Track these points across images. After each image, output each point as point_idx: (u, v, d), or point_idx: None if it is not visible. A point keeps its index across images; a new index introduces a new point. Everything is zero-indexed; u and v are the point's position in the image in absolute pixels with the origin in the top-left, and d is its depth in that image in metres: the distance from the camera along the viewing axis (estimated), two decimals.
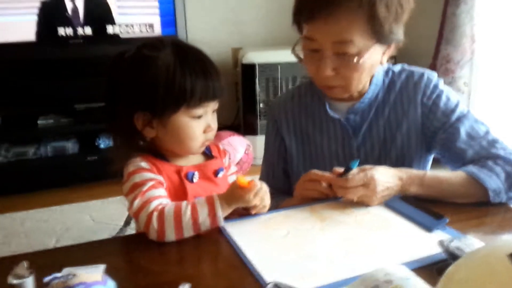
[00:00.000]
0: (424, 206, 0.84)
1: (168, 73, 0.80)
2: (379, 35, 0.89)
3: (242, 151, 2.61)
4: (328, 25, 0.86)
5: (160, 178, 0.84)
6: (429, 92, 1.01)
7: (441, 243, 0.69)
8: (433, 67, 2.63)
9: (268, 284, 0.61)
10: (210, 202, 0.79)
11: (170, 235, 0.76)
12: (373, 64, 0.94)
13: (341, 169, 0.89)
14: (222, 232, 0.80)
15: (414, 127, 1.02)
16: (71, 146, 2.60)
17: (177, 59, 0.82)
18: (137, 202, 0.79)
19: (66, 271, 0.67)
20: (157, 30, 2.63)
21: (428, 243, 0.74)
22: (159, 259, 0.74)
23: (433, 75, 1.04)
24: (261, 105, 2.82)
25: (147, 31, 2.61)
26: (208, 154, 0.95)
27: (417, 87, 1.02)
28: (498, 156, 0.93)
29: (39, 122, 2.56)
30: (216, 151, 0.97)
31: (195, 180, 0.88)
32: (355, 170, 0.87)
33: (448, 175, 0.93)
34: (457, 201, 0.90)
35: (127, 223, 2.16)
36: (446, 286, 0.45)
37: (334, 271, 0.67)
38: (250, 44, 3.16)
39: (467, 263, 0.46)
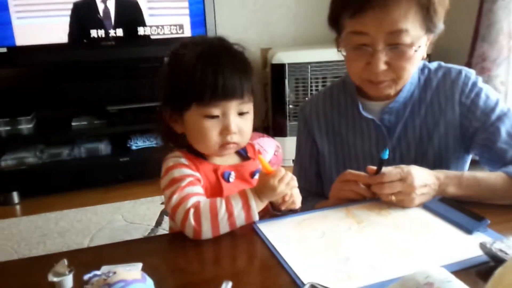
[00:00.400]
0: (463, 208, 0.82)
1: (184, 69, 0.81)
2: (430, 24, 0.87)
3: (272, 152, 2.61)
4: (380, 16, 0.84)
5: (198, 175, 0.84)
6: (467, 91, 0.98)
7: (482, 245, 0.67)
8: (469, 65, 2.56)
9: (306, 284, 0.60)
10: (243, 194, 0.79)
11: (207, 232, 0.76)
12: (421, 56, 0.92)
13: (374, 168, 0.86)
14: (257, 232, 0.80)
15: (452, 127, 0.99)
16: (103, 148, 2.66)
17: (200, 56, 0.81)
18: (175, 198, 0.79)
19: (105, 269, 0.68)
20: (187, 31, 2.65)
21: (468, 245, 0.72)
22: (195, 258, 0.74)
23: (471, 73, 1.01)
24: (291, 106, 2.80)
25: (177, 32, 2.64)
26: (244, 155, 0.94)
27: (455, 85, 0.99)
28: None
29: (72, 124, 2.63)
30: (252, 151, 0.95)
31: (231, 180, 0.87)
32: (391, 167, 0.85)
33: (487, 175, 0.90)
34: (497, 202, 0.87)
35: (158, 223, 2.20)
36: None
37: (371, 273, 0.65)
38: (279, 44, 3.16)
39: None
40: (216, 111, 0.81)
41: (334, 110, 1.08)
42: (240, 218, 0.77)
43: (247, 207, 0.78)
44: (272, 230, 0.80)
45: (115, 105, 2.63)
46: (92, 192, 2.57)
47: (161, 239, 0.78)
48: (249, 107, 0.86)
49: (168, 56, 0.87)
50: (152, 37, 2.61)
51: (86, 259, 0.76)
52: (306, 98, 2.78)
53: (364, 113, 1.02)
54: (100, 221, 2.28)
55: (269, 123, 2.99)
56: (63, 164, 2.58)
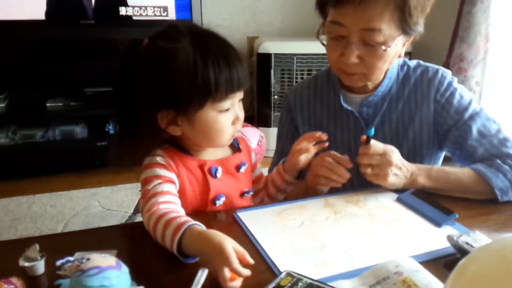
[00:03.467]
0: (434, 202, 0.85)
1: (189, 66, 0.74)
2: (406, 25, 0.89)
3: (255, 142, 2.60)
4: (358, 11, 0.86)
5: (172, 176, 0.81)
6: (442, 89, 1.02)
7: (450, 237, 0.70)
8: (446, 65, 2.61)
9: (282, 272, 0.61)
10: (173, 236, 0.67)
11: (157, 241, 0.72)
12: (395, 55, 0.95)
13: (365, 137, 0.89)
14: (237, 221, 0.81)
15: (426, 123, 1.03)
16: (80, 131, 2.60)
17: (198, 49, 0.75)
18: (141, 201, 0.79)
19: (78, 255, 0.68)
20: (171, 14, 2.59)
21: (437, 237, 0.75)
22: None
23: (447, 73, 1.04)
24: (276, 96, 2.80)
25: (161, 14, 2.57)
26: (235, 147, 0.92)
27: (431, 83, 1.03)
28: (508, 155, 0.94)
29: (47, 105, 2.56)
30: (243, 143, 0.94)
31: (218, 175, 0.85)
32: (379, 143, 0.89)
33: (456, 170, 0.94)
34: (466, 196, 0.91)
35: (136, 210, 2.18)
36: (459, 278, 0.46)
37: (347, 261, 0.67)
38: (265, 33, 3.14)
39: (480, 256, 0.46)
40: (228, 104, 0.80)
41: (317, 100, 1.11)
42: (170, 250, 0.69)
43: (171, 244, 0.68)
44: (252, 219, 0.81)
45: (93, 87, 2.57)
46: (67, 177, 2.52)
47: (137, 226, 0.77)
48: None
49: (148, 56, 0.77)
50: (134, 18, 2.54)
51: (58, 245, 0.75)
52: None
53: (344, 105, 1.05)
54: (75, 206, 2.24)
55: (254, 113, 2.97)
56: (37, 147, 2.51)
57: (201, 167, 0.84)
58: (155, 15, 2.57)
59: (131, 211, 2.19)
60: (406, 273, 0.59)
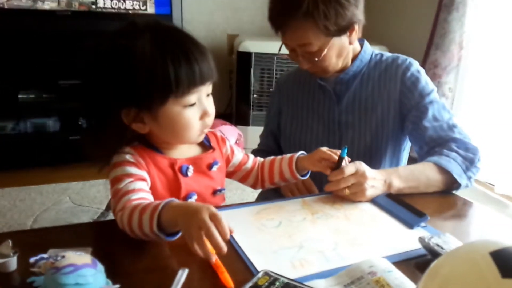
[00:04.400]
0: (407, 204, 0.87)
1: (147, 63, 0.73)
2: (330, 27, 1.02)
3: (233, 141, 2.60)
4: (289, 34, 1.05)
5: (143, 173, 0.80)
6: (409, 74, 1.13)
7: (421, 239, 0.72)
8: None
9: (259, 272, 0.62)
10: (152, 213, 0.69)
11: (133, 235, 0.72)
12: (340, 49, 1.09)
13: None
14: None
15: (393, 102, 1.14)
16: (52, 124, 2.54)
17: (156, 45, 0.74)
18: (112, 201, 0.77)
19: (52, 252, 0.66)
20: (151, 8, 2.57)
21: (409, 238, 0.77)
22: (148, 245, 0.73)
23: (415, 62, 1.16)
24: (255, 95, 2.80)
25: (140, 8, 2.55)
26: (206, 145, 0.91)
27: (400, 67, 1.14)
28: (453, 139, 1.05)
29: (19, 96, 2.49)
30: (215, 141, 0.93)
31: (189, 174, 0.84)
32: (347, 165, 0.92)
33: (417, 165, 1.02)
34: (431, 190, 0.98)
35: (109, 207, 2.14)
36: (431, 280, 0.47)
37: (323, 261, 0.69)
38: (246, 31, 3.14)
39: (451, 259, 0.48)
40: (193, 99, 0.78)
41: (301, 79, 1.26)
42: (150, 235, 0.70)
43: (151, 226, 0.68)
44: (230, 219, 0.80)
45: (68, 79, 2.51)
46: (38, 171, 2.46)
47: (112, 223, 0.76)
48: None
49: (107, 53, 0.77)
50: (112, 11, 2.50)
51: (31, 241, 0.74)
52: (271, 89, 2.79)
53: (320, 81, 1.18)
54: (45, 201, 2.19)
55: (232, 111, 2.95)
56: (7, 139, 2.45)
57: (172, 166, 0.83)
58: (134, 9, 2.54)
59: (104, 207, 2.15)
60: (379, 273, 0.61)
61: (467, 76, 2.58)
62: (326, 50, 1.05)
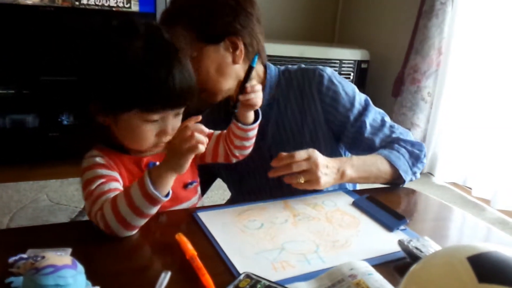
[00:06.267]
0: (387, 207, 0.89)
1: (131, 69, 0.73)
2: (199, 36, 0.96)
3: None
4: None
5: (114, 174, 0.80)
6: (324, 89, 1.06)
7: (400, 242, 0.73)
8: (401, 75, 2.73)
9: (241, 274, 0.62)
10: (141, 181, 0.72)
11: (119, 229, 0.72)
12: (220, 64, 0.99)
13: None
14: (197, 221, 0.81)
15: (318, 122, 1.08)
16: (31, 120, 2.49)
17: (147, 56, 0.74)
18: (87, 204, 0.76)
19: (31, 252, 0.65)
20: (135, 6, 2.55)
21: (388, 241, 0.78)
22: (130, 246, 0.72)
23: (325, 71, 1.08)
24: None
25: (124, 5, 2.52)
26: None
27: (312, 84, 1.07)
28: (398, 139, 1.06)
29: None
30: None
31: None
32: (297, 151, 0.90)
33: (369, 156, 1.02)
34: (380, 181, 1.00)
35: None
36: (410, 285, 0.48)
37: (305, 264, 0.69)
38: None
39: (430, 263, 0.49)
40: (157, 116, 0.78)
41: (221, 118, 1.12)
42: (143, 205, 0.71)
43: (143, 191, 0.71)
44: (212, 220, 0.81)
45: (49, 76, 2.46)
46: (15, 168, 2.41)
47: (93, 224, 0.75)
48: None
49: (101, 44, 0.77)
50: (96, 7, 2.47)
51: (9, 241, 0.72)
52: None
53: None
54: (22, 199, 2.14)
55: None
56: None
57: (138, 163, 0.84)
58: (118, 6, 2.51)
59: (82, 206, 2.12)
60: (359, 276, 0.62)
61: (445, 81, 2.65)
62: (201, 59, 0.97)
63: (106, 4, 2.49)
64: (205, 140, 0.72)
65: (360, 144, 1.08)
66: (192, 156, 0.72)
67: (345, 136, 1.09)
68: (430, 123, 2.77)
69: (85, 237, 0.76)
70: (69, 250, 0.68)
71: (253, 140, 0.95)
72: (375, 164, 1.00)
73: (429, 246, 0.72)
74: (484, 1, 2.41)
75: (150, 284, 0.61)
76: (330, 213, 0.88)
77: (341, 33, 3.63)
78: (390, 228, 0.83)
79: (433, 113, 2.74)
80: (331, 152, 1.09)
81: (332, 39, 3.69)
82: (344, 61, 2.88)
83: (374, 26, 3.21)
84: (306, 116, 1.07)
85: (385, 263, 0.71)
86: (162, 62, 0.75)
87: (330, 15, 3.63)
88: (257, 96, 0.86)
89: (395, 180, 1.03)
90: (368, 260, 0.68)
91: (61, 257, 0.56)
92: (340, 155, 1.13)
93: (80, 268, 0.57)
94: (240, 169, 1.11)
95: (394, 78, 2.77)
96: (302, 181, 0.89)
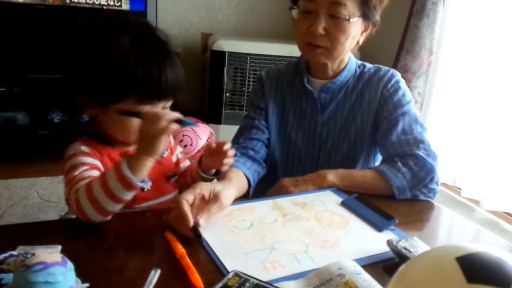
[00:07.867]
0: (376, 207, 0.90)
1: (120, 64, 0.77)
2: (366, 7, 1.02)
3: (205, 139, 2.59)
4: None
5: (97, 163, 0.83)
6: (389, 86, 1.13)
7: (389, 242, 0.74)
8: None
9: (230, 273, 0.63)
10: (117, 165, 0.74)
11: (92, 213, 0.73)
12: (355, 37, 1.06)
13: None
14: None
15: (371, 113, 1.14)
16: (21, 118, 2.46)
17: (135, 50, 0.78)
18: (67, 188, 0.78)
19: (21, 249, 0.65)
20: (125, 5, 2.53)
21: (377, 241, 0.79)
22: (119, 244, 0.72)
23: (397, 73, 1.16)
24: (227, 94, 2.80)
25: (114, 4, 2.51)
26: None
27: (381, 79, 1.14)
28: (415, 155, 1.03)
29: None
30: None
31: None
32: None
33: (361, 171, 1.08)
34: (370, 193, 1.00)
35: None
36: (398, 284, 0.49)
37: (294, 263, 0.70)
38: (220, 31, 3.14)
39: (418, 263, 0.50)
40: (146, 109, 0.80)
41: (285, 80, 1.21)
42: (118, 188, 0.72)
43: (119, 174, 0.72)
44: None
45: (39, 73, 2.44)
46: (5, 165, 2.38)
47: (82, 221, 0.75)
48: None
49: (91, 39, 0.81)
50: (87, 6, 2.46)
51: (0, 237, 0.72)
52: (244, 88, 2.80)
53: (307, 85, 1.15)
54: (12, 196, 2.12)
55: (205, 109, 2.95)
56: None
57: (123, 155, 0.85)
58: (109, 5, 2.50)
59: None
60: (348, 275, 0.62)
61: (436, 81, 2.66)
62: (353, 20, 1.01)
63: (97, 3, 2.48)
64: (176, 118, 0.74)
65: (384, 141, 1.10)
66: (164, 138, 0.74)
67: (379, 131, 1.12)
68: None
69: (75, 235, 0.76)
70: (59, 247, 0.68)
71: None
72: (363, 177, 1.03)
73: (418, 246, 0.73)
74: (476, 1, 2.42)
75: (139, 281, 0.61)
76: (319, 213, 0.88)
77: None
78: (379, 228, 0.84)
79: (423, 113, 2.76)
80: (369, 149, 1.16)
81: None
82: None
83: None
84: (364, 107, 1.13)
85: (374, 263, 0.72)
86: (153, 55, 0.79)
87: None
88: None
89: (393, 195, 1.01)
90: (358, 261, 0.68)
91: (51, 255, 0.57)
92: (375, 151, 1.18)
93: (70, 265, 0.58)
94: (282, 142, 1.20)
95: None
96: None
